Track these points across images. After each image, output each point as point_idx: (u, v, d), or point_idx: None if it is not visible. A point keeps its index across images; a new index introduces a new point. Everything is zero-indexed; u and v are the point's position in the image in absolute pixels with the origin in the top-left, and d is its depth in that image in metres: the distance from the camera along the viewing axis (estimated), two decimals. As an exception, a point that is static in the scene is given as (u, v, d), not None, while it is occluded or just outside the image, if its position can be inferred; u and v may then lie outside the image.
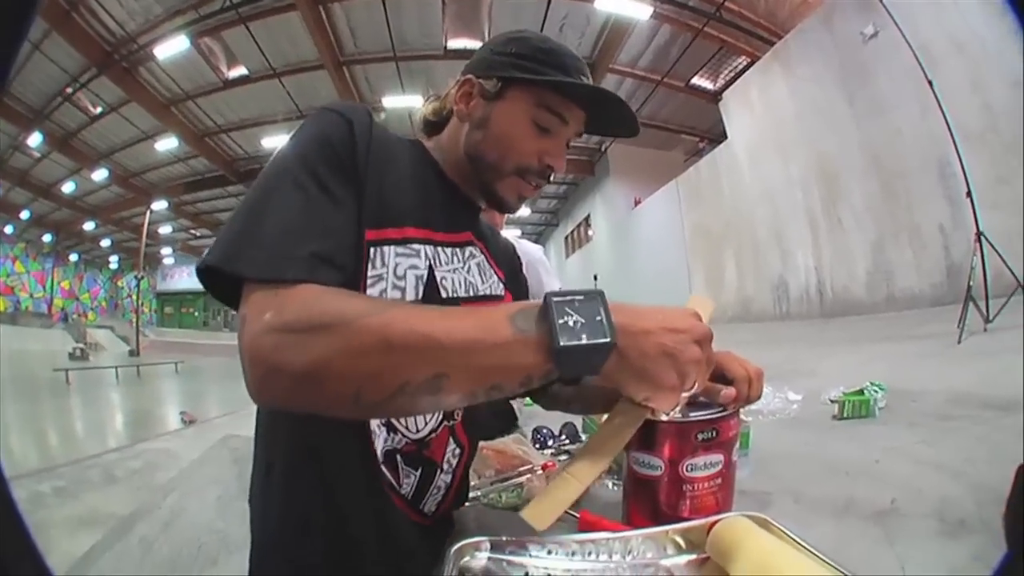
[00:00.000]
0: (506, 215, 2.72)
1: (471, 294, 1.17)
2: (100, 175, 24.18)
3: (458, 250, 1.18)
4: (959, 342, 5.12)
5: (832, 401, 2.12)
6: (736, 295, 15.21)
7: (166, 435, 8.64)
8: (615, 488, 1.33)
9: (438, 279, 1.09)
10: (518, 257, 1.49)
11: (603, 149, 23.52)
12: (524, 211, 30.32)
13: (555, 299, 0.73)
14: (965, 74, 7.99)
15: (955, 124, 6.50)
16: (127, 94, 18.00)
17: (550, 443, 1.87)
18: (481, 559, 0.87)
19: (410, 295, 1.02)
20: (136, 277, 34.20)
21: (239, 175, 24.14)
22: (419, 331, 0.70)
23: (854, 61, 10.33)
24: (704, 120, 19.44)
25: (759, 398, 1.10)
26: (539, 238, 35.34)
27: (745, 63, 15.68)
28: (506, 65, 1.13)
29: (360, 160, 0.97)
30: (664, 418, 0.87)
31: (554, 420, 1.93)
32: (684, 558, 0.87)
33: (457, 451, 1.17)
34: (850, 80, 10.57)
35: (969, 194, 6.01)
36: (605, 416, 0.94)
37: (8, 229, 32.97)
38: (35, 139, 20.37)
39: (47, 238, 35.22)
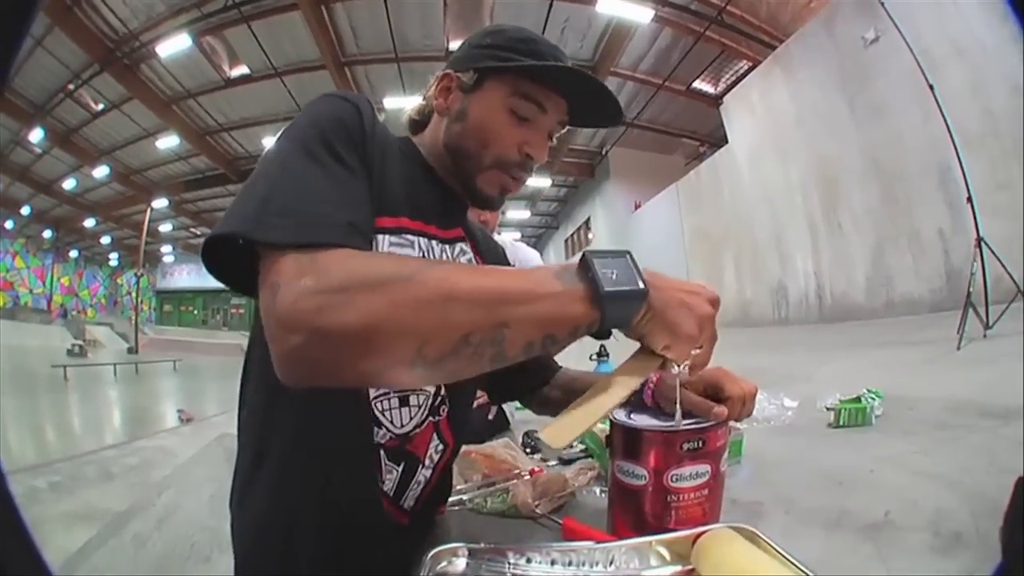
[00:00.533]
0: (499, 214, 2.72)
1: None
2: (101, 172, 24.18)
3: (448, 246, 1.19)
4: (958, 348, 5.11)
5: (828, 409, 2.09)
6: (735, 299, 15.21)
7: (163, 433, 8.73)
8: (602, 495, 1.30)
9: None
10: (507, 259, 1.48)
11: (604, 152, 23.57)
12: (524, 214, 30.42)
13: (593, 257, 0.79)
14: (966, 79, 8.00)
15: (956, 129, 6.50)
16: (129, 91, 18.00)
17: (541, 448, 1.85)
18: (458, 565, 0.85)
19: None
20: (136, 274, 34.29)
21: (240, 174, 24.05)
22: (479, 284, 0.73)
23: (855, 65, 10.34)
24: (705, 124, 19.50)
25: (750, 415, 1.11)
26: (539, 241, 35.49)
27: (746, 67, 15.72)
28: (482, 57, 1.13)
29: (367, 144, 0.98)
30: (674, 370, 0.87)
31: (544, 424, 1.89)
32: (668, 570, 0.85)
33: (440, 447, 1.17)
34: (851, 84, 10.58)
35: (969, 199, 6.00)
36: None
37: (8, 224, 32.95)
38: (36, 135, 20.35)
39: (47, 234, 35.24)
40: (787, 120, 12.82)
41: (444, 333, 0.69)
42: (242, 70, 17.57)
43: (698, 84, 17.82)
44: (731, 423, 1.07)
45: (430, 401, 1.12)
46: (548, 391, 1.39)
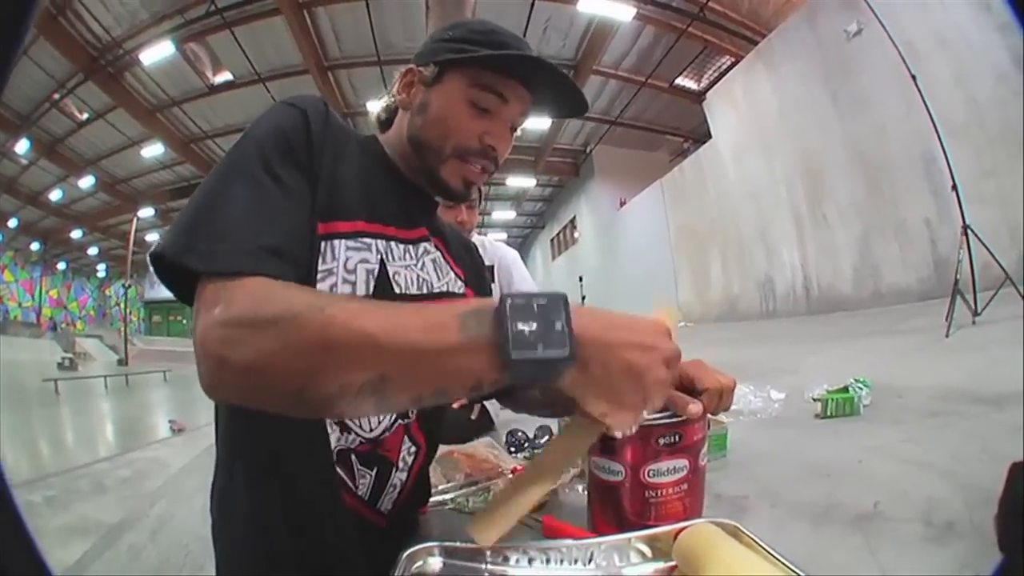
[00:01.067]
0: (476, 213, 2.70)
1: (425, 291, 1.15)
2: (87, 182, 24.05)
3: (411, 247, 1.16)
4: (947, 336, 5.11)
5: (815, 399, 2.08)
6: (722, 294, 15.35)
7: (155, 444, 8.73)
8: (584, 492, 1.28)
9: (390, 274, 1.08)
10: (479, 256, 1.46)
11: (588, 150, 23.67)
12: (509, 214, 30.48)
13: (511, 302, 0.66)
14: (949, 69, 8.05)
15: (939, 119, 6.51)
16: (113, 100, 17.97)
17: (525, 446, 1.83)
18: (434, 565, 0.84)
19: (360, 290, 1.01)
20: (124, 285, 34.14)
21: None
22: (360, 330, 0.66)
23: (838, 59, 10.40)
24: (688, 120, 19.61)
25: (728, 410, 1.05)
26: (524, 241, 35.66)
27: (729, 63, 15.81)
28: (442, 50, 1.12)
29: (315, 150, 0.96)
30: (618, 435, 0.81)
31: (529, 423, 1.86)
32: (650, 567, 0.84)
33: (413, 449, 1.15)
34: (834, 77, 10.65)
35: (955, 188, 6.00)
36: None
37: (-3, 238, 32.83)
38: (22, 146, 20.25)
39: (35, 246, 35.05)
40: (771, 114, 12.89)
41: (322, 379, 0.67)
42: (225, 76, 17.57)
43: (681, 80, 17.91)
44: (711, 417, 1.05)
45: None
46: (528, 391, 1.34)
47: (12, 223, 29.77)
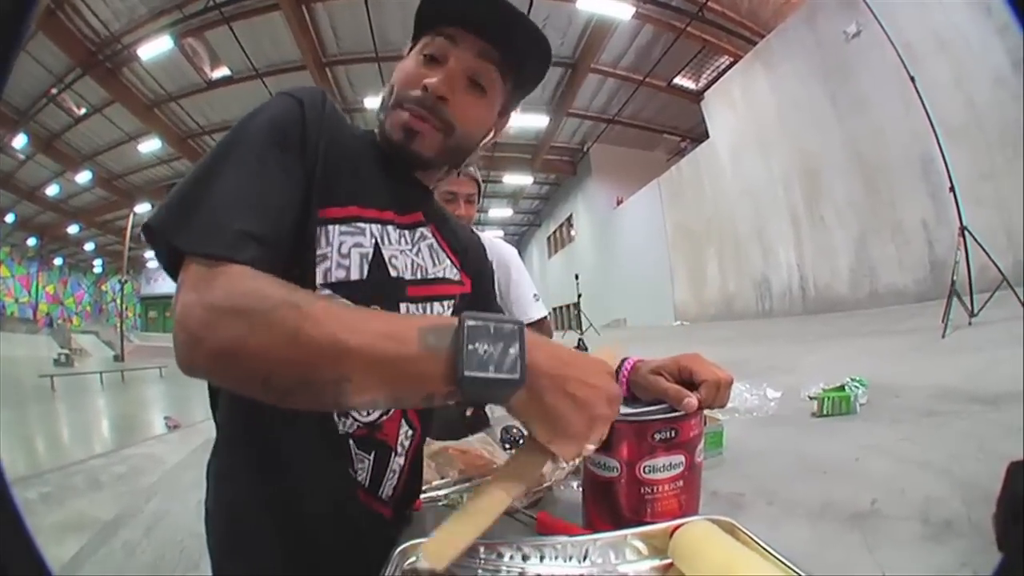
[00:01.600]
0: (474, 207, 2.67)
1: (420, 276, 1.16)
2: (84, 177, 24.05)
3: (407, 232, 1.17)
4: (943, 336, 5.10)
5: (811, 398, 2.07)
6: (719, 293, 15.38)
7: (151, 440, 8.69)
8: (579, 489, 1.27)
9: (387, 257, 1.08)
10: (479, 243, 1.46)
11: (585, 149, 23.73)
12: (506, 212, 30.48)
13: (470, 323, 0.71)
14: (948, 71, 8.07)
15: (938, 120, 6.52)
16: (111, 95, 17.96)
17: (520, 443, 1.82)
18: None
19: (355, 274, 1.02)
20: (120, 281, 34.02)
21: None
22: (326, 331, 0.70)
23: (837, 59, 10.42)
24: (686, 120, 19.67)
25: (724, 406, 1.06)
26: (521, 239, 35.70)
27: (727, 63, 15.84)
28: (415, 25, 1.15)
29: (310, 139, 0.98)
30: (564, 466, 0.82)
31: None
32: (645, 564, 0.83)
33: (410, 432, 1.17)
34: (832, 78, 10.67)
35: (952, 189, 6.01)
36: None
37: (-6, 232, 32.76)
38: (19, 141, 20.24)
39: (32, 241, 34.94)
40: (769, 114, 12.90)
41: (286, 372, 0.71)
42: (223, 72, 17.57)
43: (679, 80, 17.97)
44: (708, 413, 1.04)
45: None
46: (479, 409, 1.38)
47: (9, 218, 29.70)
